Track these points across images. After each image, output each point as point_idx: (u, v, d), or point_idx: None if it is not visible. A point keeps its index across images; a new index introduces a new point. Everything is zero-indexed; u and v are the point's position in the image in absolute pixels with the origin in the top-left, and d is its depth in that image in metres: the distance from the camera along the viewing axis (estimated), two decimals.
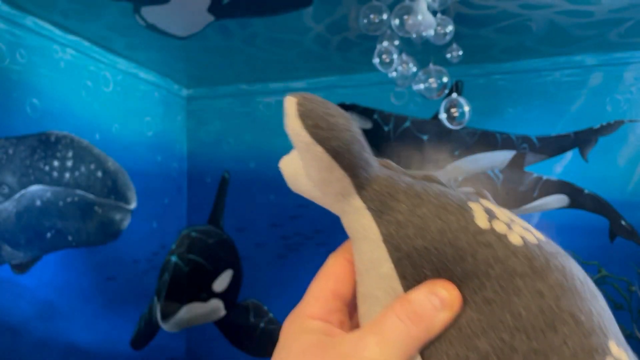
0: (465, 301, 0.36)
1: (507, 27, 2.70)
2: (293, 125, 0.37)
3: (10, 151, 2.37)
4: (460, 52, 2.19)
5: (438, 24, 1.92)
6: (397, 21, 1.83)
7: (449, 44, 2.10)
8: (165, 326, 3.55)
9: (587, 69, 3.13)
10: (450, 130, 3.24)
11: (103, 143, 2.96)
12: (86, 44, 2.85)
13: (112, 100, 3.09)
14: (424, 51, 2.20)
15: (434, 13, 1.89)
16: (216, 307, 3.68)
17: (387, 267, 0.37)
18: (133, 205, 3.16)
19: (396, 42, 2.04)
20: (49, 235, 2.57)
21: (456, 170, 3.30)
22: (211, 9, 2.49)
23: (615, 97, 3.09)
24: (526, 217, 3.16)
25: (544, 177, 3.17)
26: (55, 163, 2.61)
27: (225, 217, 3.75)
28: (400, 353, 0.35)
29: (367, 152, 0.39)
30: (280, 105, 3.39)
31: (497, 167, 3.24)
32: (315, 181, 0.39)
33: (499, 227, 0.38)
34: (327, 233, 3.38)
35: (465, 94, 3.25)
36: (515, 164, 3.22)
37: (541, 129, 3.19)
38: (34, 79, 2.54)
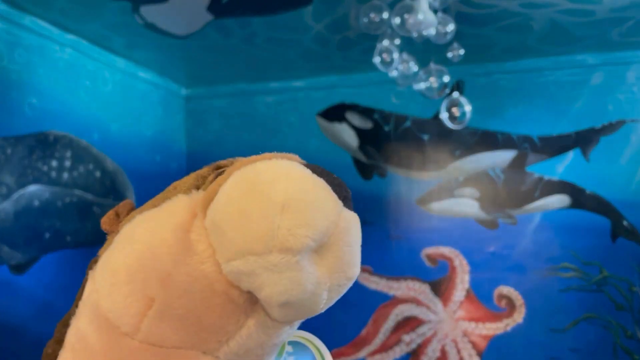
0: None
1: (508, 26, 2.69)
2: None
3: (9, 151, 2.36)
4: (462, 51, 2.18)
5: (439, 23, 1.92)
6: (397, 20, 1.82)
7: (450, 43, 2.09)
8: None
9: (588, 68, 3.12)
10: (451, 130, 3.22)
11: (102, 143, 2.95)
12: (85, 43, 2.84)
13: (111, 100, 3.08)
14: (424, 50, 2.19)
15: (435, 12, 1.88)
16: None
17: None
18: None
19: (397, 41, 2.03)
20: (47, 235, 2.56)
21: (457, 170, 3.29)
22: (210, 8, 2.48)
23: (616, 97, 3.08)
24: (527, 217, 3.17)
25: (545, 177, 3.16)
26: (54, 163, 2.60)
27: None
28: None
29: None
30: (280, 104, 3.36)
31: (498, 167, 3.23)
32: None
33: None
34: None
35: (466, 94, 3.22)
36: (517, 164, 3.21)
37: (542, 128, 3.18)
38: (33, 79, 2.53)
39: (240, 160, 0.61)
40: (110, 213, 0.65)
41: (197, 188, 0.59)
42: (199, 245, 0.52)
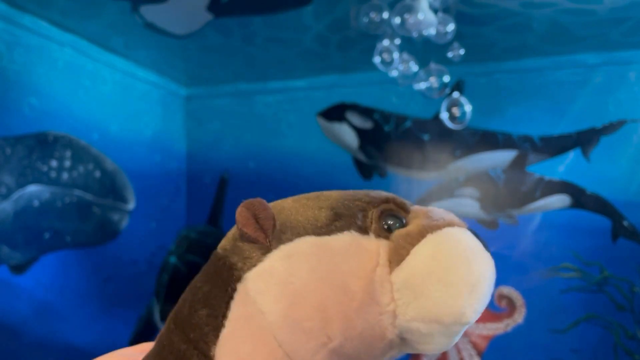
0: None
1: (508, 26, 2.68)
2: None
3: (8, 151, 2.35)
4: (462, 51, 2.17)
5: (439, 23, 1.91)
6: (398, 20, 1.81)
7: (450, 42, 2.09)
8: None
9: (589, 68, 3.11)
10: (451, 130, 3.21)
11: (101, 143, 2.94)
12: (84, 42, 2.83)
13: (111, 100, 3.07)
14: (424, 50, 2.18)
15: (435, 12, 1.88)
16: None
17: None
18: (131, 206, 3.14)
19: (397, 41, 2.03)
20: (47, 235, 2.55)
21: (457, 171, 3.27)
22: (210, 8, 2.47)
23: (617, 97, 3.07)
24: (528, 218, 3.15)
25: (546, 178, 3.15)
26: (54, 163, 2.59)
27: (225, 217, 3.72)
28: None
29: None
30: (280, 104, 3.34)
31: (499, 167, 3.22)
32: None
33: None
34: None
35: (466, 94, 3.22)
36: (517, 164, 3.19)
37: (543, 128, 3.17)
38: (32, 79, 2.52)
39: (415, 208, 0.63)
40: (252, 220, 0.57)
41: (361, 228, 0.58)
42: (383, 297, 0.56)
